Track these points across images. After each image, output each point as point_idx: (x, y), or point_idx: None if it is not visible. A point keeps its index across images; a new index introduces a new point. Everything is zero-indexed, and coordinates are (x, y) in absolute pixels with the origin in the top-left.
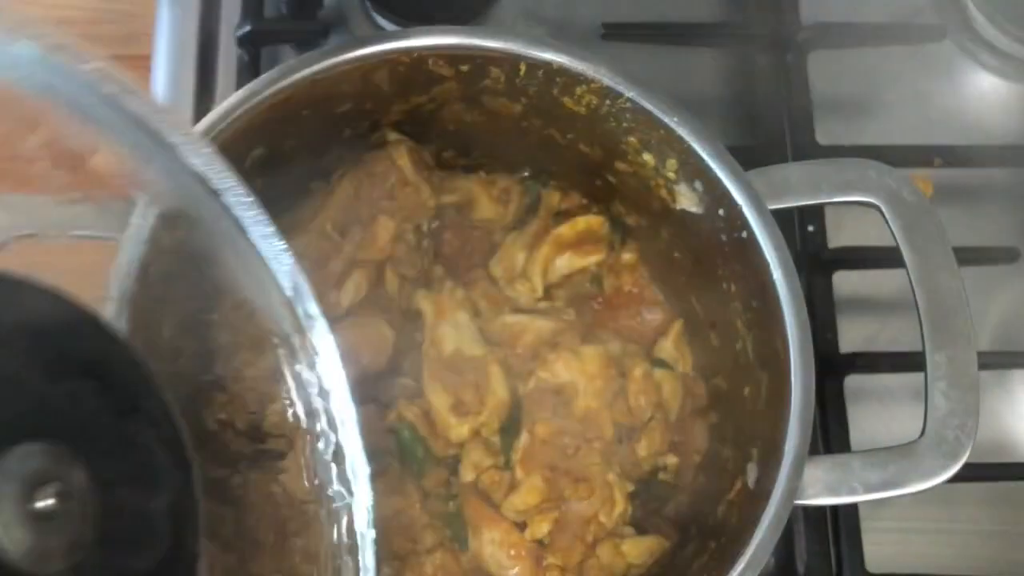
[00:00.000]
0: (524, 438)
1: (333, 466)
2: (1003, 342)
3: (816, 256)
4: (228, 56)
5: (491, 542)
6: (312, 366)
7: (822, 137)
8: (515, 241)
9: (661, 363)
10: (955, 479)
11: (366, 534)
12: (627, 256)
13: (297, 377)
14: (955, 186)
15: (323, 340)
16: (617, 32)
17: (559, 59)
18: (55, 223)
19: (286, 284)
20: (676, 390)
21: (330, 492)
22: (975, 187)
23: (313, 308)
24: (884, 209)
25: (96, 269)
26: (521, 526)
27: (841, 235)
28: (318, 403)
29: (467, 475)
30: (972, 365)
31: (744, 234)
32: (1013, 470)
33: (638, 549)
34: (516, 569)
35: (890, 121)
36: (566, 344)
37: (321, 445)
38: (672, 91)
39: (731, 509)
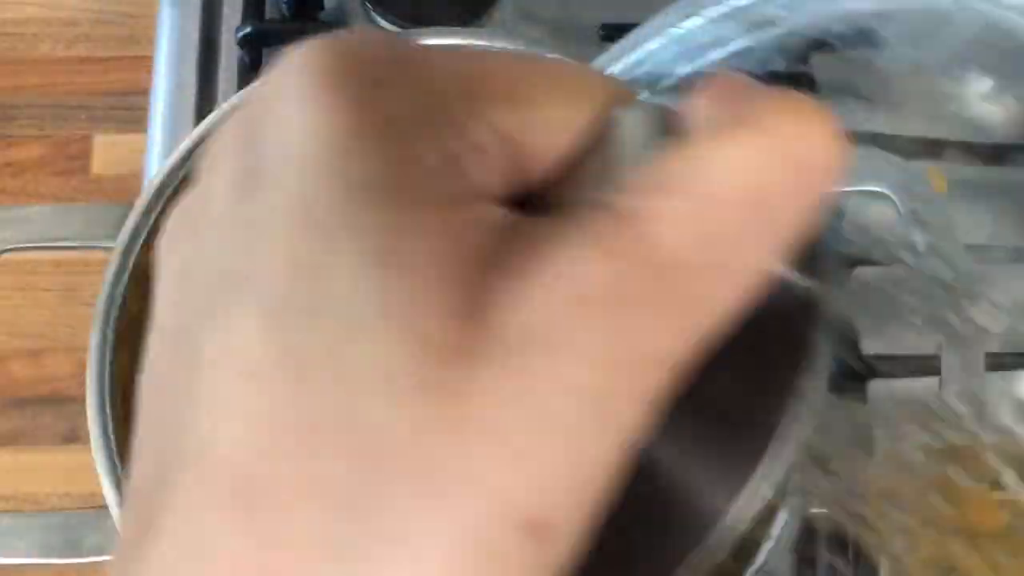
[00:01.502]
0: None
1: None
2: (1012, 342)
3: None
4: (229, 57)
5: None
6: None
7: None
8: None
9: None
10: None
11: None
12: None
13: None
14: (969, 181)
15: None
16: (616, 33)
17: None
18: (48, 235)
19: None
20: None
21: None
22: (989, 183)
23: None
24: (896, 200)
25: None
26: None
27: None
28: None
29: None
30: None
31: None
32: None
33: None
34: None
35: (901, 115)
36: None
37: None
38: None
39: None
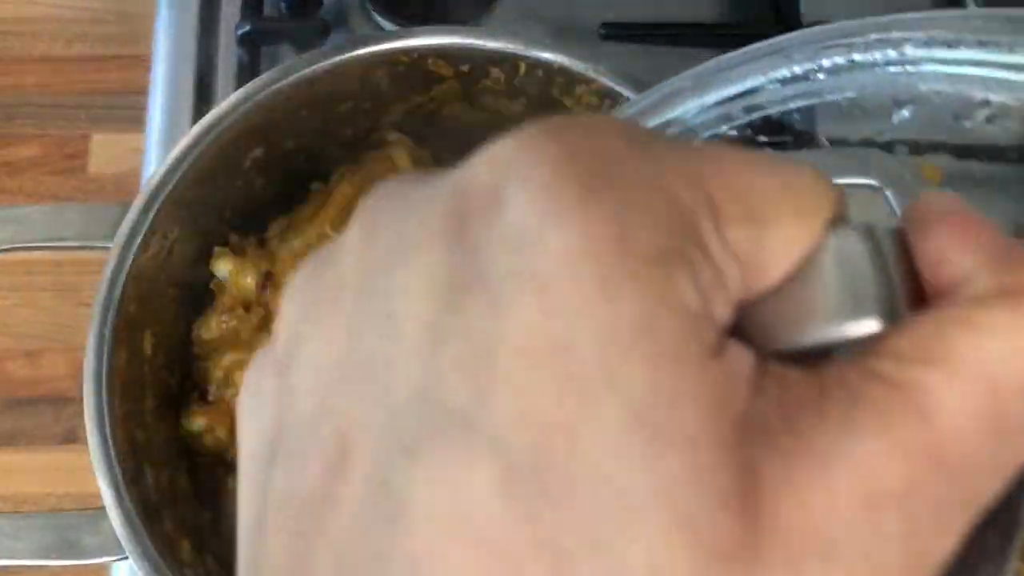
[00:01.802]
0: None
1: None
2: None
3: None
4: (228, 56)
5: None
6: None
7: (824, 134)
8: None
9: None
10: None
11: None
12: None
13: None
14: (966, 176)
15: None
16: (617, 32)
17: (559, 59)
18: (45, 235)
19: None
20: None
21: None
22: (986, 177)
23: None
24: (888, 193)
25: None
26: None
27: None
28: None
29: None
30: None
31: None
32: None
33: None
34: None
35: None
36: None
37: None
38: None
39: None
